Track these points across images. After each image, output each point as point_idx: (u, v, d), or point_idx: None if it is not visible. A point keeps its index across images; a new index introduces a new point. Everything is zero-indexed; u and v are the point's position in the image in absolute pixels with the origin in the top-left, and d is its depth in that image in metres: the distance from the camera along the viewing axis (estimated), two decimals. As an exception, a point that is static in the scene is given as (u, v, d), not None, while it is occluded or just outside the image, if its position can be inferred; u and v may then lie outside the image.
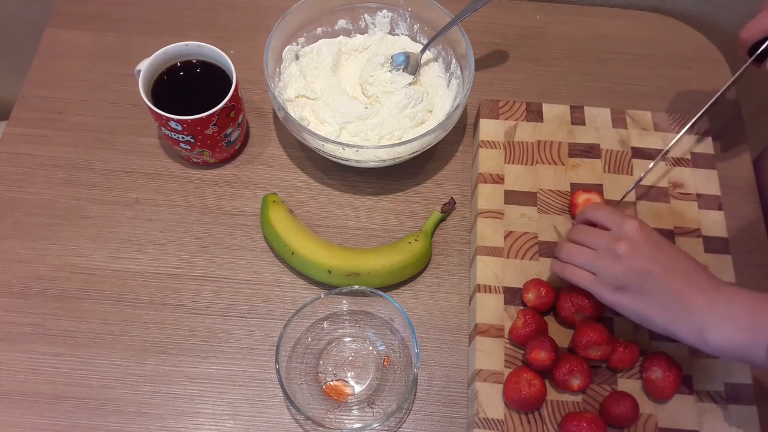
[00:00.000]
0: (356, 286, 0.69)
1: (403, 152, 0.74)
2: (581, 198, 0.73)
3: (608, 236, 0.62)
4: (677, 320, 0.59)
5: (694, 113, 0.80)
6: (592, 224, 0.66)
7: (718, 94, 0.73)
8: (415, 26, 0.85)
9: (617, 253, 0.60)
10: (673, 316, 0.59)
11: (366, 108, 0.80)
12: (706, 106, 0.73)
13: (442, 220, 0.77)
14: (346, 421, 0.67)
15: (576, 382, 0.63)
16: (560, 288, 0.69)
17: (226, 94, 0.71)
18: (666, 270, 0.59)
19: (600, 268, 0.62)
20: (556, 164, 0.76)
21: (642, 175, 0.74)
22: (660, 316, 0.59)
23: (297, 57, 0.83)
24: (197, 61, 0.76)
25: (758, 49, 0.67)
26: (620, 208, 0.73)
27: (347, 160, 0.75)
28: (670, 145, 0.75)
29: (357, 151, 0.72)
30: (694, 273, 0.60)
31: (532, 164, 0.76)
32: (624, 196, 0.73)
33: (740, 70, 0.70)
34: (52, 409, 0.67)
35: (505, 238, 0.72)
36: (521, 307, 0.68)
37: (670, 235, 0.73)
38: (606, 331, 0.63)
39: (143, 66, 0.73)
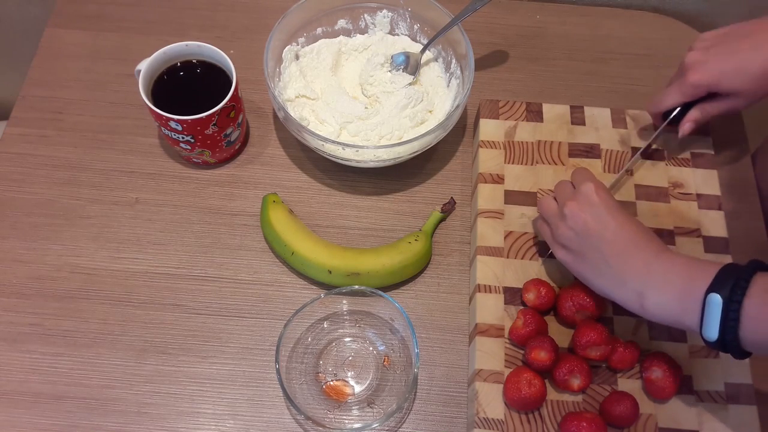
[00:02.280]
0: (356, 286, 0.69)
1: (403, 152, 0.74)
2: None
3: (567, 193, 0.64)
4: (614, 285, 0.60)
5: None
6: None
7: (641, 150, 0.76)
8: (415, 26, 0.85)
9: (563, 211, 0.63)
10: (611, 281, 0.60)
11: (366, 108, 0.80)
12: (633, 158, 0.76)
13: (442, 220, 0.77)
14: (346, 421, 0.67)
15: (576, 382, 0.63)
16: (561, 287, 0.69)
17: (226, 94, 0.71)
18: (607, 233, 0.60)
19: (552, 223, 0.65)
20: (556, 164, 0.76)
21: (627, 165, 0.75)
22: (598, 279, 0.61)
23: (297, 57, 0.83)
24: (197, 61, 0.76)
25: (670, 115, 0.73)
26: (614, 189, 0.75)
27: (347, 160, 0.75)
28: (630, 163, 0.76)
29: (357, 151, 0.72)
30: (636, 239, 0.60)
31: (532, 164, 0.76)
32: (613, 184, 0.74)
33: (656, 133, 0.75)
34: (53, 409, 0.67)
35: (505, 238, 0.72)
36: (521, 307, 0.68)
37: (670, 235, 0.73)
38: (606, 331, 0.64)
39: (143, 66, 0.73)
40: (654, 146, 0.78)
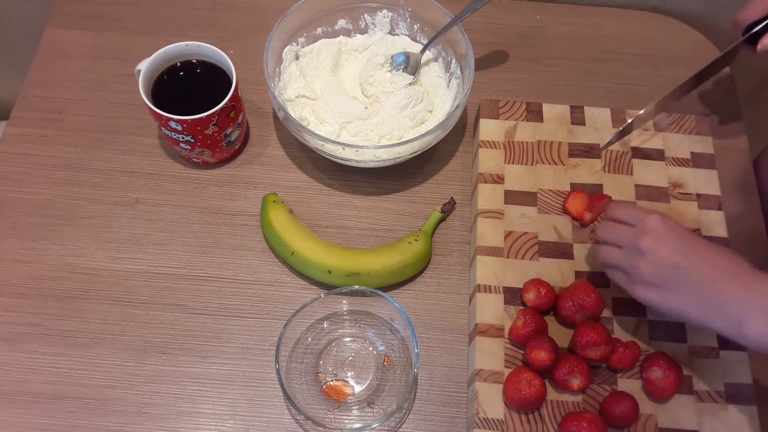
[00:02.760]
0: (356, 286, 0.69)
1: (403, 152, 0.74)
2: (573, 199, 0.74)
3: (632, 232, 0.61)
4: (712, 313, 0.56)
5: (694, 113, 0.80)
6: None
7: (706, 65, 0.74)
8: (415, 26, 0.85)
9: (640, 249, 0.59)
10: (707, 310, 0.57)
11: (366, 108, 0.80)
12: (699, 70, 0.75)
13: (442, 220, 0.77)
14: (346, 421, 0.67)
15: (576, 382, 0.63)
16: (561, 287, 0.69)
17: (226, 94, 0.71)
18: (694, 262, 0.57)
19: (627, 266, 0.61)
20: (556, 164, 0.76)
21: (617, 132, 0.75)
22: (693, 310, 0.58)
23: (297, 57, 0.83)
24: (197, 61, 0.76)
25: (752, 30, 0.69)
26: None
27: (347, 160, 0.75)
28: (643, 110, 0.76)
29: (357, 151, 0.72)
30: (726, 263, 0.57)
31: (532, 164, 0.76)
32: (605, 145, 0.75)
33: (731, 46, 0.72)
34: (53, 409, 0.67)
35: (505, 238, 0.72)
36: (521, 307, 0.68)
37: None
38: (605, 331, 0.64)
39: (143, 66, 0.73)
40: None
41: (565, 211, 0.74)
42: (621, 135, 0.76)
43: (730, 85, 0.87)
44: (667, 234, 0.59)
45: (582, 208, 0.73)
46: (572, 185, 0.75)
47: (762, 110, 1.11)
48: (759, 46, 0.69)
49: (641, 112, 0.75)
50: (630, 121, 0.76)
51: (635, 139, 0.78)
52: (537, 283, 0.68)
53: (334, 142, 0.71)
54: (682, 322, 0.60)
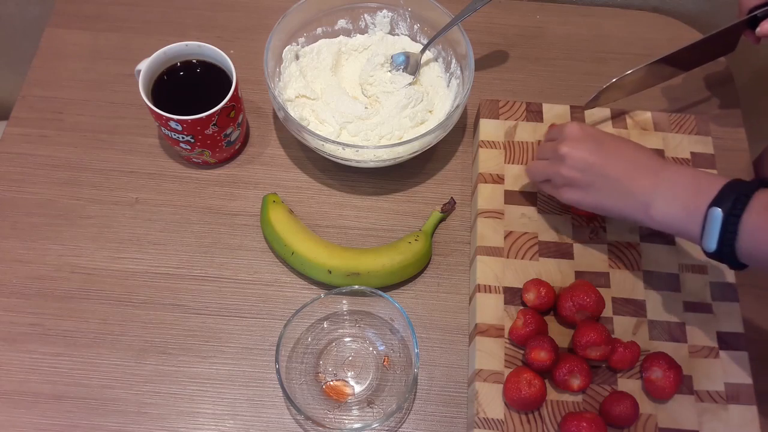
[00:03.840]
0: (356, 286, 0.69)
1: (403, 152, 0.74)
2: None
3: (553, 143, 0.68)
4: (625, 203, 0.63)
5: (694, 113, 0.80)
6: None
7: (707, 35, 0.74)
8: (415, 26, 0.85)
9: (560, 155, 0.65)
10: (621, 200, 0.63)
11: (366, 108, 0.80)
12: (697, 40, 0.74)
13: (442, 220, 0.77)
14: (346, 421, 0.67)
15: (576, 382, 0.63)
16: (561, 287, 0.69)
17: (226, 94, 0.71)
18: (608, 159, 0.63)
19: (551, 174, 0.67)
20: (556, 164, 0.76)
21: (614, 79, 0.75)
22: (610, 202, 0.64)
23: (297, 57, 0.83)
24: (197, 61, 0.76)
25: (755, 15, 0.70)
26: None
27: (347, 160, 0.75)
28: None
29: (357, 151, 0.72)
30: (637, 156, 0.63)
31: (532, 164, 0.76)
32: (589, 102, 0.76)
33: (732, 23, 0.72)
34: (53, 409, 0.67)
35: (505, 238, 0.72)
36: (521, 307, 0.68)
37: (670, 235, 0.73)
38: (606, 331, 0.64)
39: (143, 66, 0.73)
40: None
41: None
42: (607, 92, 0.76)
43: (731, 85, 0.87)
44: (583, 138, 0.65)
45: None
46: (572, 185, 0.75)
47: (762, 110, 1.11)
48: (758, 29, 0.70)
49: (631, 71, 0.75)
50: (615, 80, 0.75)
51: (635, 139, 0.78)
52: (537, 283, 0.68)
53: (334, 142, 0.71)
54: (604, 215, 0.67)
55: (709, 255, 0.59)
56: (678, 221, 0.60)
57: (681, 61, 0.76)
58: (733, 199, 0.56)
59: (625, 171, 0.63)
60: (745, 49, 0.78)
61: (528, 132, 0.78)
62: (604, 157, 0.63)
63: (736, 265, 0.58)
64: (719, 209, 0.56)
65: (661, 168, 0.62)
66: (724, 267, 0.71)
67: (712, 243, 0.57)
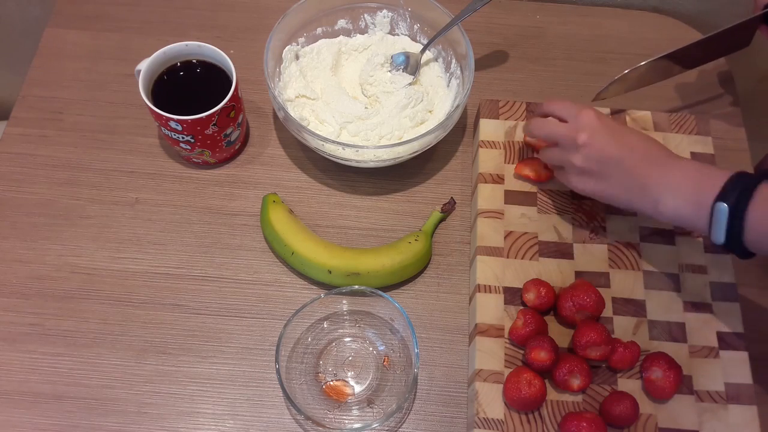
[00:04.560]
0: (356, 286, 0.69)
1: (403, 152, 0.74)
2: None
3: (568, 128, 0.67)
4: (636, 196, 0.64)
5: (693, 113, 0.80)
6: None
7: (719, 31, 0.74)
8: (415, 26, 0.85)
9: (577, 144, 0.65)
10: (633, 194, 0.64)
11: (366, 108, 0.80)
12: (710, 34, 0.74)
13: (442, 220, 0.77)
14: (346, 421, 0.67)
15: (576, 382, 0.63)
16: (561, 287, 0.69)
17: (226, 94, 0.71)
18: (624, 152, 0.64)
19: (564, 160, 0.68)
20: (556, 164, 0.76)
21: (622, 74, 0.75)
22: (622, 194, 0.65)
23: (297, 57, 0.83)
24: (197, 61, 0.76)
25: None
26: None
27: (347, 160, 0.75)
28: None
29: (357, 151, 0.72)
30: (649, 150, 0.64)
31: (532, 164, 0.76)
32: (599, 94, 0.77)
33: (748, 18, 0.72)
34: (53, 409, 0.67)
35: (505, 238, 0.72)
36: (521, 307, 0.68)
37: (670, 235, 0.73)
38: (605, 331, 0.64)
39: (143, 66, 0.73)
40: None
41: (521, 176, 0.75)
42: (616, 84, 0.76)
43: (731, 85, 0.87)
44: (602, 128, 0.65)
45: (537, 169, 0.75)
46: (572, 185, 0.75)
47: (762, 110, 1.11)
48: None
49: (642, 63, 0.75)
50: (627, 71, 0.75)
51: (635, 139, 0.78)
52: (537, 283, 0.68)
53: (334, 142, 0.71)
54: (614, 205, 0.67)
55: (718, 246, 0.60)
56: (686, 216, 0.61)
57: (693, 56, 0.76)
58: (738, 193, 0.57)
59: (638, 164, 0.63)
60: (745, 49, 0.77)
61: (528, 132, 0.78)
62: (620, 150, 0.64)
63: (747, 255, 0.60)
64: (725, 204, 0.58)
65: (669, 162, 0.63)
66: (724, 266, 0.71)
67: (720, 236, 0.59)
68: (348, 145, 0.71)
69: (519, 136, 0.78)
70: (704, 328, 0.68)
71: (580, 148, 0.65)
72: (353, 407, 0.67)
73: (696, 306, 0.69)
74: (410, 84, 0.82)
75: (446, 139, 0.77)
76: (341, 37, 0.85)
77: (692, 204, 0.60)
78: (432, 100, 0.82)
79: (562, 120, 0.69)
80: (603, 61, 0.89)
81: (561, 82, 0.87)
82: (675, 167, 0.63)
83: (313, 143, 0.74)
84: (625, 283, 0.70)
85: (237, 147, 0.80)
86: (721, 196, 0.58)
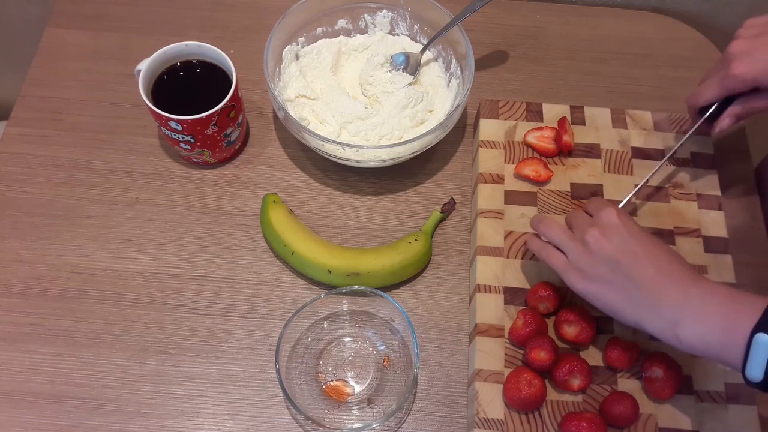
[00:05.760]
0: (356, 286, 0.69)
1: (403, 152, 0.74)
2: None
3: (587, 220, 0.61)
4: (647, 313, 0.56)
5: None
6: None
7: (675, 149, 0.73)
8: (415, 26, 0.85)
9: (586, 239, 0.59)
10: (643, 309, 0.56)
11: (366, 108, 0.80)
12: (658, 166, 0.71)
13: (442, 220, 0.77)
14: (346, 421, 0.67)
15: (576, 382, 0.63)
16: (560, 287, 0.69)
17: (226, 94, 0.71)
18: (636, 260, 0.57)
19: (570, 251, 0.61)
20: (556, 164, 0.76)
21: (641, 183, 0.71)
22: (627, 307, 0.57)
23: (297, 57, 0.83)
24: (197, 61, 0.76)
25: (708, 110, 0.68)
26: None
27: (347, 160, 0.75)
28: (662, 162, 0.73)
29: (357, 151, 0.72)
30: (669, 264, 0.57)
31: (532, 164, 0.76)
32: (624, 202, 0.70)
33: (692, 130, 0.70)
34: (53, 409, 0.67)
35: (505, 238, 0.72)
36: (521, 307, 0.68)
37: (670, 235, 0.73)
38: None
39: (143, 66, 0.73)
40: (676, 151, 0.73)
41: (522, 176, 0.75)
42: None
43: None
44: (617, 229, 0.58)
45: (537, 169, 0.74)
46: (572, 185, 0.75)
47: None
48: (716, 130, 0.68)
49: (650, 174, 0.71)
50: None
51: (635, 139, 0.78)
52: (543, 287, 0.67)
53: (334, 142, 0.71)
54: (616, 319, 0.60)
55: (751, 384, 0.51)
56: (712, 345, 0.53)
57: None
58: None
59: (654, 278, 0.56)
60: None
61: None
62: (635, 258, 0.56)
63: None
64: (767, 335, 0.49)
65: (693, 282, 0.55)
66: (724, 267, 0.71)
67: (758, 372, 0.50)
68: (348, 145, 0.71)
69: (519, 136, 0.78)
70: (704, 328, 0.68)
71: (589, 244, 0.58)
72: (353, 407, 0.67)
73: (696, 306, 0.69)
74: (410, 84, 0.82)
75: (446, 139, 0.77)
76: (341, 37, 0.85)
77: (721, 332, 0.52)
78: (432, 100, 0.82)
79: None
80: (603, 61, 0.89)
81: (561, 82, 0.87)
82: (700, 288, 0.55)
83: (313, 143, 0.74)
84: (625, 283, 0.70)
85: (237, 147, 0.80)
86: (761, 326, 0.50)
